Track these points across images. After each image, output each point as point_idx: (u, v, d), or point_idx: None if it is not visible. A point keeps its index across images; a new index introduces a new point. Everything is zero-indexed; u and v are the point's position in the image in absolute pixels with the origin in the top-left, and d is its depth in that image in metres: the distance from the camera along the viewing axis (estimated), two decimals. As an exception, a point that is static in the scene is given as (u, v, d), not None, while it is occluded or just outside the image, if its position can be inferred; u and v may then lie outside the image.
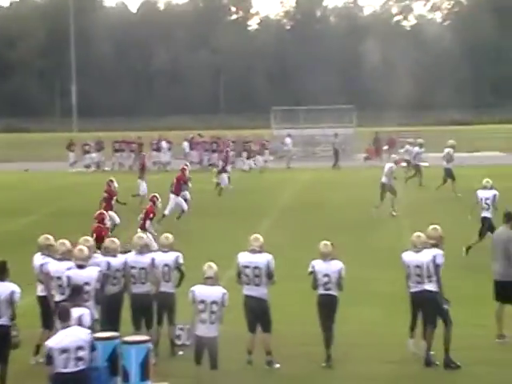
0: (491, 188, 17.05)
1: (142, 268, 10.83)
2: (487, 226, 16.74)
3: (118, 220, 19.74)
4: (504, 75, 78.51)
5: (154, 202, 17.51)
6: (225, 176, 28.60)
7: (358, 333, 11.79)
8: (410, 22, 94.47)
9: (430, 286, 10.34)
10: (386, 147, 42.20)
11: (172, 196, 21.94)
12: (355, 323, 12.11)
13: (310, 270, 10.73)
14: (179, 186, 22.10)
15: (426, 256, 10.42)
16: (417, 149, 29.37)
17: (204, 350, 9.30)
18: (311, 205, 25.60)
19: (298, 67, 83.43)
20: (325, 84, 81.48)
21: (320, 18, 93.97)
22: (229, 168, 29.84)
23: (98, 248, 11.71)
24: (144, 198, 24.33)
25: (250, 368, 10.52)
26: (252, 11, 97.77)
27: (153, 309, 10.97)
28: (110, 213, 19.16)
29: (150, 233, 16.61)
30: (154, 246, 15.71)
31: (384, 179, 23.31)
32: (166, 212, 21.48)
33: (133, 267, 10.84)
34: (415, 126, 55.00)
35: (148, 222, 17.22)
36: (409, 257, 10.77)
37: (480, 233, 16.95)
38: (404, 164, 30.85)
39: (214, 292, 9.30)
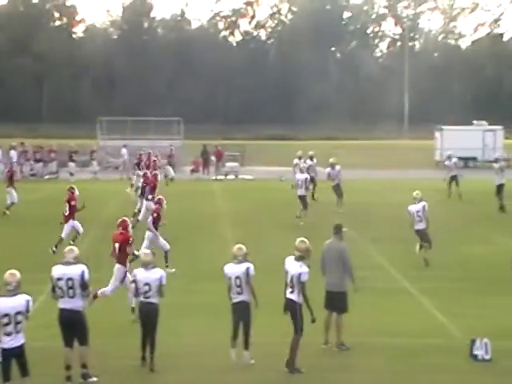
0: (420, 200, 17.42)
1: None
2: (423, 236, 17.34)
3: (81, 229, 19.22)
4: (324, 94, 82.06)
5: (161, 204, 17.09)
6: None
7: (181, 344, 11.79)
8: (236, 38, 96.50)
9: (293, 296, 10.62)
10: (213, 159, 42.85)
11: (144, 202, 22.38)
12: (178, 335, 12.11)
13: (131, 278, 10.86)
14: (151, 191, 22.40)
15: (292, 267, 10.63)
16: (309, 161, 28.80)
17: (12, 363, 8.97)
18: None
19: (126, 77, 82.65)
20: (153, 95, 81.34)
21: (147, 29, 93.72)
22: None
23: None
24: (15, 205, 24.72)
25: (69, 384, 10.22)
26: (77, 18, 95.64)
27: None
28: (75, 222, 18.97)
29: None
30: (164, 244, 16.57)
31: (300, 191, 23.63)
32: (140, 217, 21.88)
33: None
34: (239, 140, 56.17)
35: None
36: (230, 269, 10.95)
37: (420, 246, 17.45)
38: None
39: (16, 302, 9.02)
